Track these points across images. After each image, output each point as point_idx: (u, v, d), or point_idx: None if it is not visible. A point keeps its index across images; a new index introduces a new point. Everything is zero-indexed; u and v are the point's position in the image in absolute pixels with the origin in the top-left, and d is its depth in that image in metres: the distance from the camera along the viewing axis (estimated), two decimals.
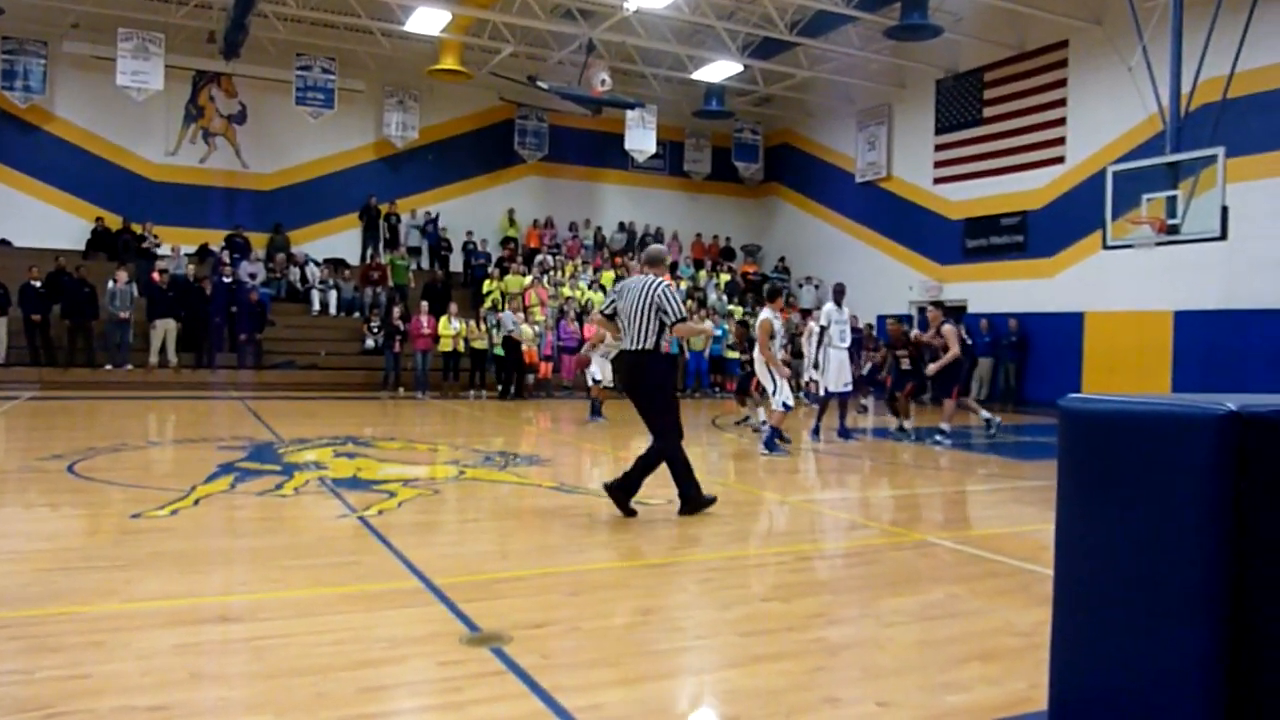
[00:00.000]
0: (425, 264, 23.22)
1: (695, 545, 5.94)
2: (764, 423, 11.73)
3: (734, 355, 20.52)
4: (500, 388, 18.24)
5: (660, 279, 6.52)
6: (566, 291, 20.66)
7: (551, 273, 21.78)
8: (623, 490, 6.54)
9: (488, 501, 7.35)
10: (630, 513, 6.54)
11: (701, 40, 20.90)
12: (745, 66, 21.36)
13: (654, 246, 6.82)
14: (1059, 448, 2.19)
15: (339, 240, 22.44)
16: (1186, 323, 15.96)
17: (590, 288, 20.87)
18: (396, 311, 18.48)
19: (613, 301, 6.60)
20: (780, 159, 26.89)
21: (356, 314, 20.76)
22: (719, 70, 21.46)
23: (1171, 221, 13.48)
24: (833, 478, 9.55)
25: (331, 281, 20.99)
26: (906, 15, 16.99)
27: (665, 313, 6.41)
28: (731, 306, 22.28)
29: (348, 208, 22.57)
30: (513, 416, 15.36)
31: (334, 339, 20.03)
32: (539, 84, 19.92)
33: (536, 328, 18.83)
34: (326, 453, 9.48)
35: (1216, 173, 12.99)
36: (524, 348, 18.51)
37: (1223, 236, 13.02)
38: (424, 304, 18.54)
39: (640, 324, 6.37)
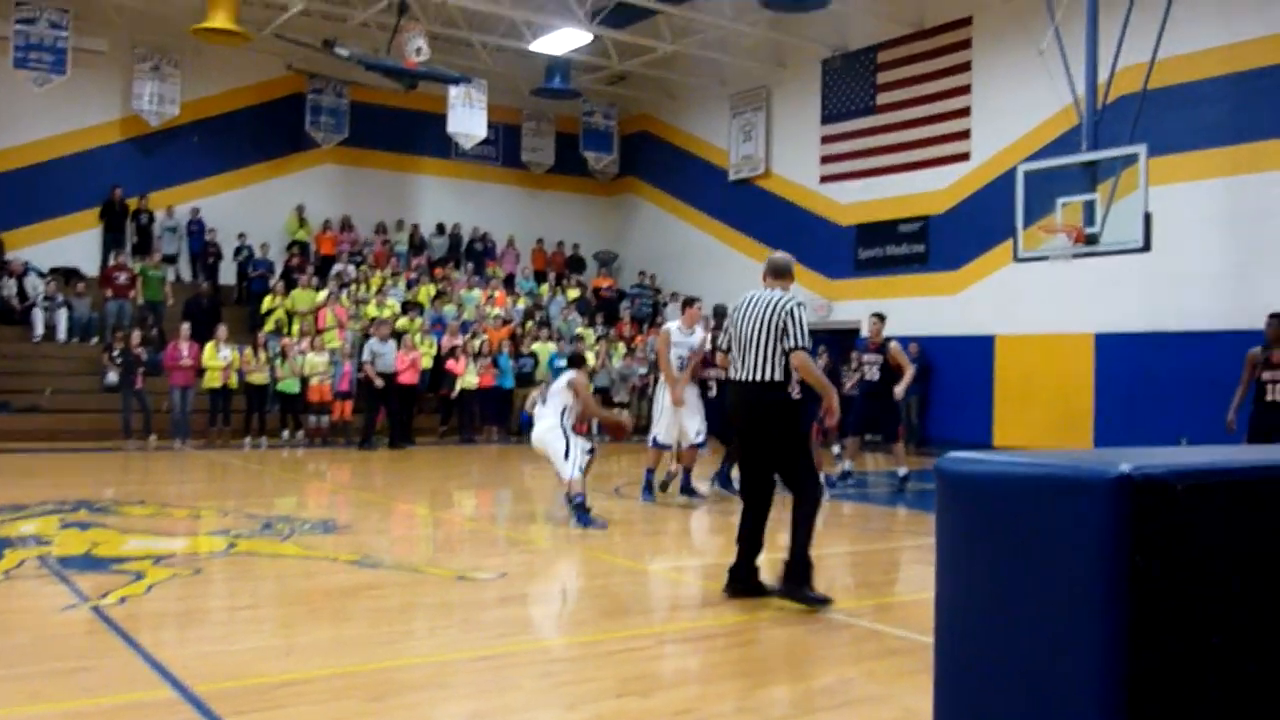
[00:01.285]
0: (187, 275, 22.40)
1: (532, 630, 5.84)
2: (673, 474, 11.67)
3: None
4: (364, 433, 17.81)
5: (789, 294, 6.37)
6: (372, 311, 20.26)
7: (352, 287, 21.33)
8: (795, 579, 6.15)
9: (267, 582, 7.08)
10: (824, 600, 6.21)
11: (541, 4, 21.02)
12: (595, 37, 21.58)
13: (780, 255, 6.68)
14: (936, 513, 2.31)
15: (72, 244, 21.42)
16: (1108, 346, 16.93)
17: (405, 310, 20.53)
18: (136, 336, 17.66)
19: (727, 330, 6.49)
20: (639, 149, 27.25)
21: (95, 339, 19.80)
22: (563, 40, 21.61)
23: (1089, 230, 14.32)
24: (703, 539, 9.61)
25: (61, 298, 19.97)
26: None
27: (787, 335, 6.22)
28: (581, 329, 22.33)
29: (84, 202, 21.59)
30: (298, 471, 14.91)
31: (63, 372, 19.03)
32: (337, 50, 19.58)
33: (329, 356, 18.41)
34: (50, 523, 9.01)
35: (1138, 174, 13.88)
36: (313, 382, 18.13)
37: (1146, 248, 13.90)
38: (184, 326, 17.83)
39: (761, 349, 6.22)
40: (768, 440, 6.26)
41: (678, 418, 11.03)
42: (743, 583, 6.37)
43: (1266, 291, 15.11)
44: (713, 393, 11.24)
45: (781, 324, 6.19)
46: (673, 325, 11.23)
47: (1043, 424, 17.62)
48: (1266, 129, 15.25)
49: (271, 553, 7.91)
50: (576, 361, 10.18)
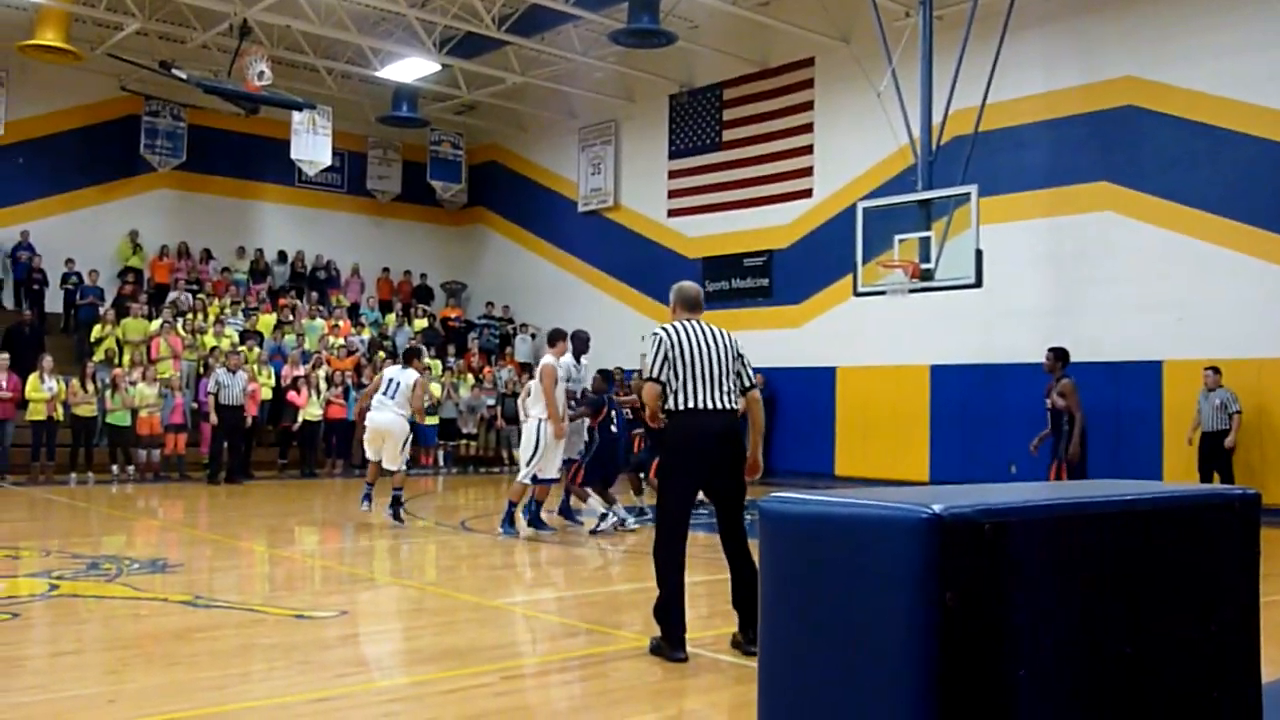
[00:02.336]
0: (10, 302, 21.32)
1: (372, 669, 5.72)
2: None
3: (430, 421, 20.36)
4: (209, 465, 17.31)
5: (719, 327, 6.28)
6: (209, 341, 19.63)
7: (189, 316, 20.64)
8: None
9: (92, 626, 6.78)
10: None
11: (389, 31, 20.82)
12: (444, 66, 21.46)
13: (690, 285, 6.49)
14: (760, 553, 2.39)
15: None
16: (943, 378, 17.56)
17: (243, 339, 19.93)
18: None
19: (664, 359, 6.05)
20: (488, 180, 27.16)
21: None
22: (411, 69, 21.43)
23: (925, 266, 14.85)
24: (551, 571, 9.57)
25: None
26: (635, 18, 17.75)
27: (743, 373, 6.15)
28: (429, 360, 22.02)
29: None
30: (128, 508, 14.31)
31: None
32: (175, 72, 19.00)
33: (158, 387, 17.75)
34: None
35: (970, 213, 14.47)
36: (143, 414, 17.48)
37: (978, 284, 14.49)
38: (3, 356, 16.94)
39: (729, 379, 6.07)
40: (738, 470, 6.16)
41: (557, 452, 11.11)
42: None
43: (1085, 325, 15.95)
44: (612, 426, 11.45)
45: (738, 358, 6.19)
46: (552, 360, 11.04)
47: (882, 454, 18.12)
48: (1083, 173, 16.10)
49: (97, 594, 7.56)
50: (412, 356, 10.95)
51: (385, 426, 11.80)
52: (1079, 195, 16.13)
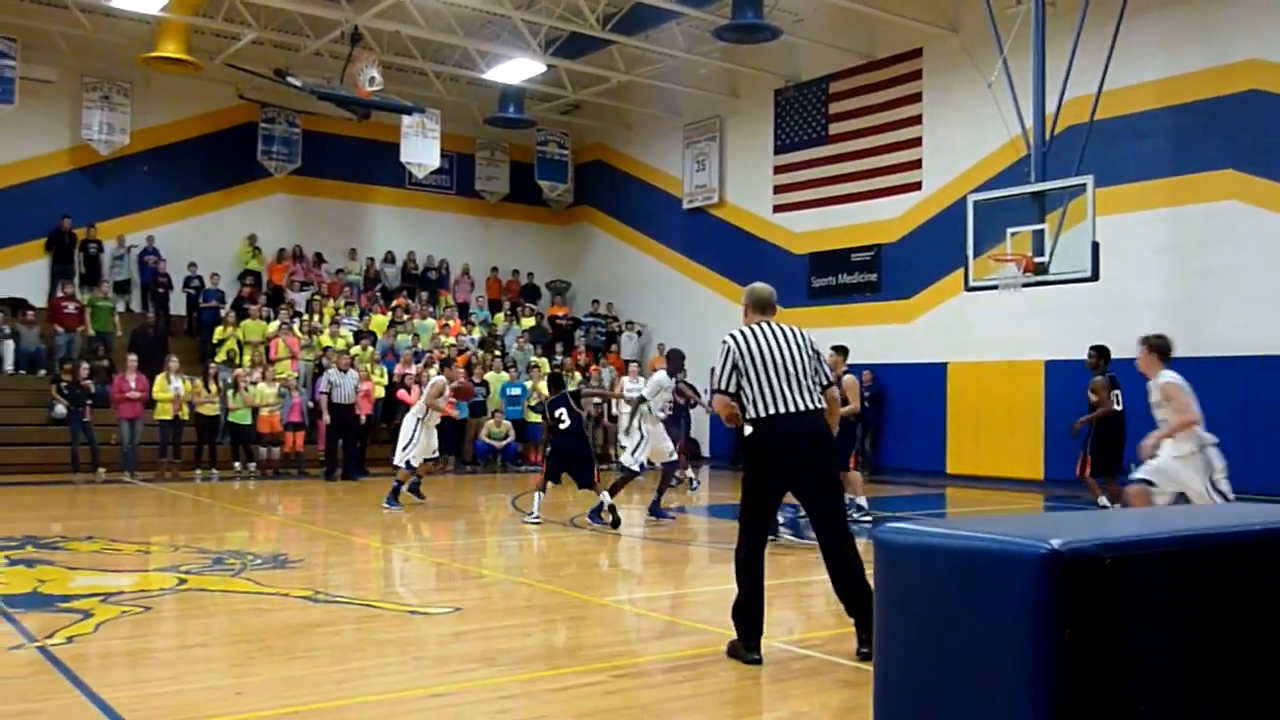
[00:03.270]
0: (137, 305, 22.16)
1: (487, 666, 5.82)
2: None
3: (538, 418, 20.57)
4: (325, 462, 17.88)
5: (793, 326, 6.23)
6: (324, 340, 20.16)
7: (304, 317, 21.21)
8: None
9: (218, 619, 7.01)
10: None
11: (495, 33, 21.10)
12: (549, 67, 21.67)
13: (766, 286, 6.40)
14: (875, 581, 2.37)
15: (19, 275, 21.14)
16: (1059, 373, 17.15)
17: (357, 339, 20.42)
18: (84, 368, 17.43)
19: (732, 368, 5.98)
20: (593, 179, 27.35)
21: (42, 371, 19.52)
22: (517, 70, 21.69)
23: (1039, 259, 14.52)
24: (659, 569, 9.62)
25: (8, 329, 19.70)
26: (739, 13, 17.73)
27: (820, 372, 6.07)
28: (536, 358, 22.31)
29: (31, 233, 21.32)
30: (249, 504, 14.76)
31: (10, 404, 18.76)
32: (290, 80, 19.53)
33: (279, 387, 18.27)
34: None
35: (1086, 204, 14.12)
36: (264, 413, 18.01)
37: (1094, 277, 14.13)
38: (131, 358, 17.62)
39: (809, 378, 5.99)
40: (829, 471, 6.08)
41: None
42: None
43: (1210, 319, 15.43)
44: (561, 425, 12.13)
45: (815, 358, 6.07)
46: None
47: (995, 451, 17.80)
48: (1207, 161, 15.57)
49: (222, 589, 7.82)
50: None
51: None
52: (1202, 184, 15.62)
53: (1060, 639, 2.01)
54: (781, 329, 6.06)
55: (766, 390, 5.88)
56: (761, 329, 6.04)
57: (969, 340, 18.39)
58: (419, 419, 13.66)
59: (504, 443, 20.08)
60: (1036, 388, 17.41)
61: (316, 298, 22.35)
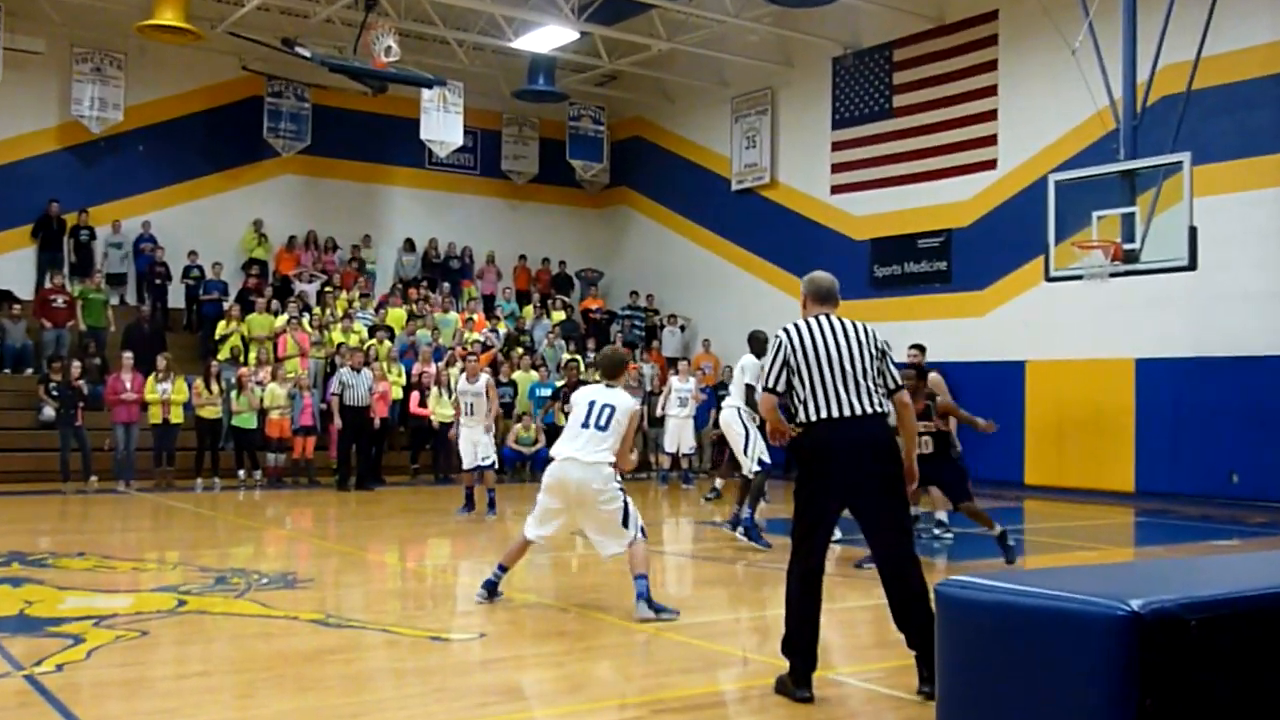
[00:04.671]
0: (132, 297, 22.38)
1: (515, 699, 5.84)
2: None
3: None
4: (338, 471, 17.99)
5: (855, 320, 6.13)
6: (337, 336, 20.29)
7: (315, 311, 21.35)
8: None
9: (220, 644, 7.07)
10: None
11: None
12: (583, 34, 21.68)
13: (823, 275, 6.29)
14: (938, 638, 2.36)
15: (3, 265, 21.39)
16: (1151, 373, 16.98)
17: (373, 333, 20.54)
18: (75, 367, 17.58)
19: (782, 365, 5.93)
20: (631, 157, 27.34)
21: (30, 370, 19.75)
22: (548, 38, 21.71)
23: (1128, 246, 14.38)
24: (703, 591, 9.61)
25: None
26: None
27: (888, 373, 5.96)
28: (568, 355, 22.34)
29: (17, 219, 21.57)
30: (255, 516, 14.88)
31: None
32: (298, 50, 19.63)
33: (286, 387, 18.41)
34: None
35: (1182, 184, 13.96)
36: (272, 415, 18.14)
37: (1192, 266, 13.97)
38: (126, 356, 17.79)
39: (871, 379, 5.90)
40: (893, 485, 5.88)
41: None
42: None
43: None
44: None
45: (880, 357, 5.97)
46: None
47: (1080, 460, 17.65)
48: None
49: (225, 611, 7.89)
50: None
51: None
52: None
53: (1141, 708, 1.98)
54: (843, 324, 5.99)
55: (820, 391, 5.81)
56: (820, 322, 5.98)
57: (1050, 337, 18.23)
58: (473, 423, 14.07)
59: (533, 449, 20.12)
60: (1126, 389, 17.24)
61: (328, 289, 22.50)
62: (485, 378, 14.35)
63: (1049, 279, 15.66)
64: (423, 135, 22.82)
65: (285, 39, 20.17)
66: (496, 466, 14.46)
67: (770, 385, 5.96)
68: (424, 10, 21.57)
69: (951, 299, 19.90)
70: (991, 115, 19.53)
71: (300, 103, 23.88)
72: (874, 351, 5.95)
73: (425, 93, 22.12)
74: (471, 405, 13.94)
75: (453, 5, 20.83)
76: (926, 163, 20.48)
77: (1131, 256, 14.42)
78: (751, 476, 11.59)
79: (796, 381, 5.89)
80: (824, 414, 5.80)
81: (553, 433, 20.53)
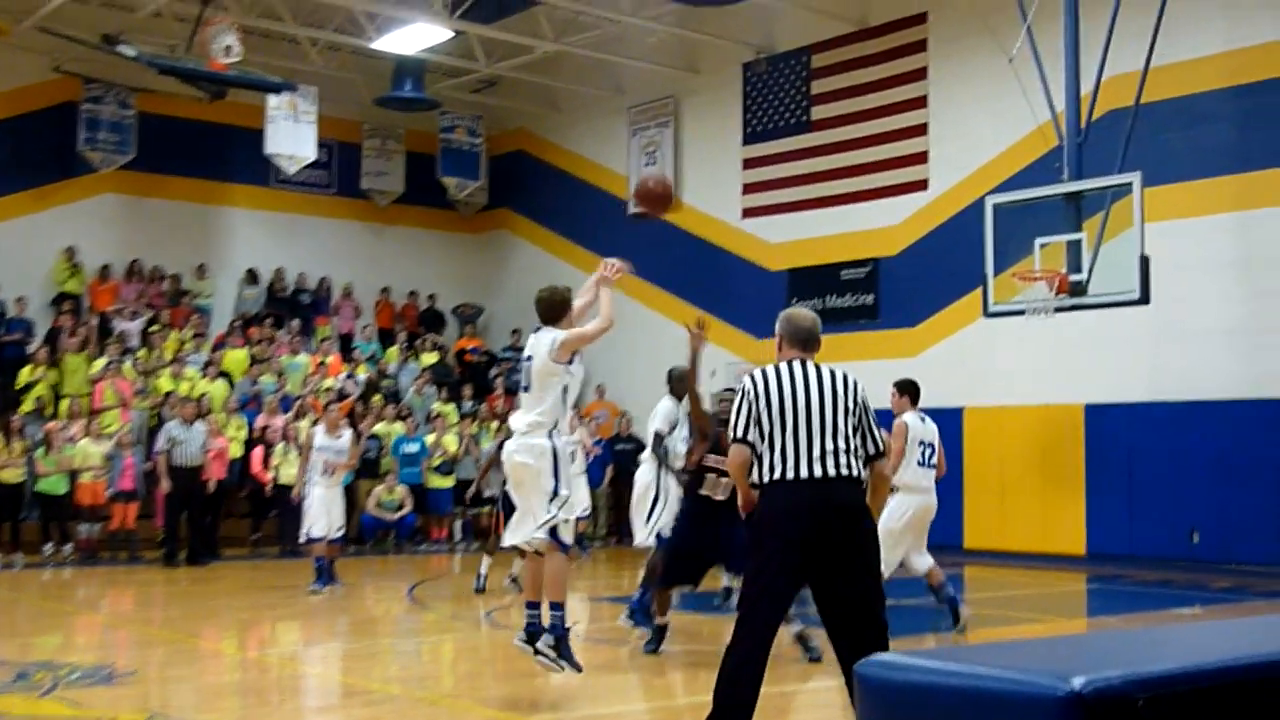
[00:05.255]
0: None
1: None
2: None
3: (444, 483, 20.51)
4: (165, 543, 17.54)
5: (836, 369, 6.11)
6: (165, 384, 19.94)
7: (139, 354, 20.99)
8: None
9: None
10: None
11: None
12: (457, 33, 21.71)
13: (803, 314, 6.33)
14: None
15: None
16: (1102, 420, 17.33)
17: (206, 375, 20.24)
18: None
19: (749, 414, 5.91)
20: (513, 174, 27.37)
21: None
22: (416, 37, 21.69)
23: (1075, 277, 14.73)
24: (603, 679, 9.58)
25: None
26: None
27: (870, 434, 5.95)
28: (439, 405, 22.20)
29: None
30: (65, 598, 14.53)
31: None
32: (121, 49, 19.37)
33: (104, 445, 18.05)
34: None
35: (1132, 208, 14.35)
36: (85, 478, 17.72)
37: (1144, 299, 14.34)
38: None
39: (845, 437, 5.86)
40: (861, 561, 5.83)
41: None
42: None
43: None
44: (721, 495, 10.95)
45: (860, 412, 5.97)
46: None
47: (1025, 519, 17.90)
48: None
49: (27, 713, 7.69)
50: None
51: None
52: (1275, 182, 15.92)
53: None
54: (820, 372, 6.00)
55: (779, 447, 5.81)
56: (792, 369, 5.99)
57: (990, 380, 18.52)
58: (307, 482, 14.10)
59: (398, 514, 19.94)
60: (1075, 439, 17.57)
61: (154, 329, 22.14)
62: (349, 432, 14.31)
63: (988, 314, 15.96)
64: (268, 148, 22.61)
65: (106, 36, 19.88)
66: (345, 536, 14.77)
67: (740, 435, 5.91)
68: (271, 4, 21.44)
69: (879, 337, 20.14)
70: (921, 130, 19.89)
71: (123, 110, 23.53)
72: (851, 406, 5.94)
73: (271, 99, 21.94)
74: (331, 464, 13.87)
75: None
76: (850, 183, 20.75)
77: (1078, 289, 14.75)
78: (646, 549, 11.31)
79: (757, 435, 5.89)
80: (779, 474, 5.78)
81: (420, 495, 20.44)
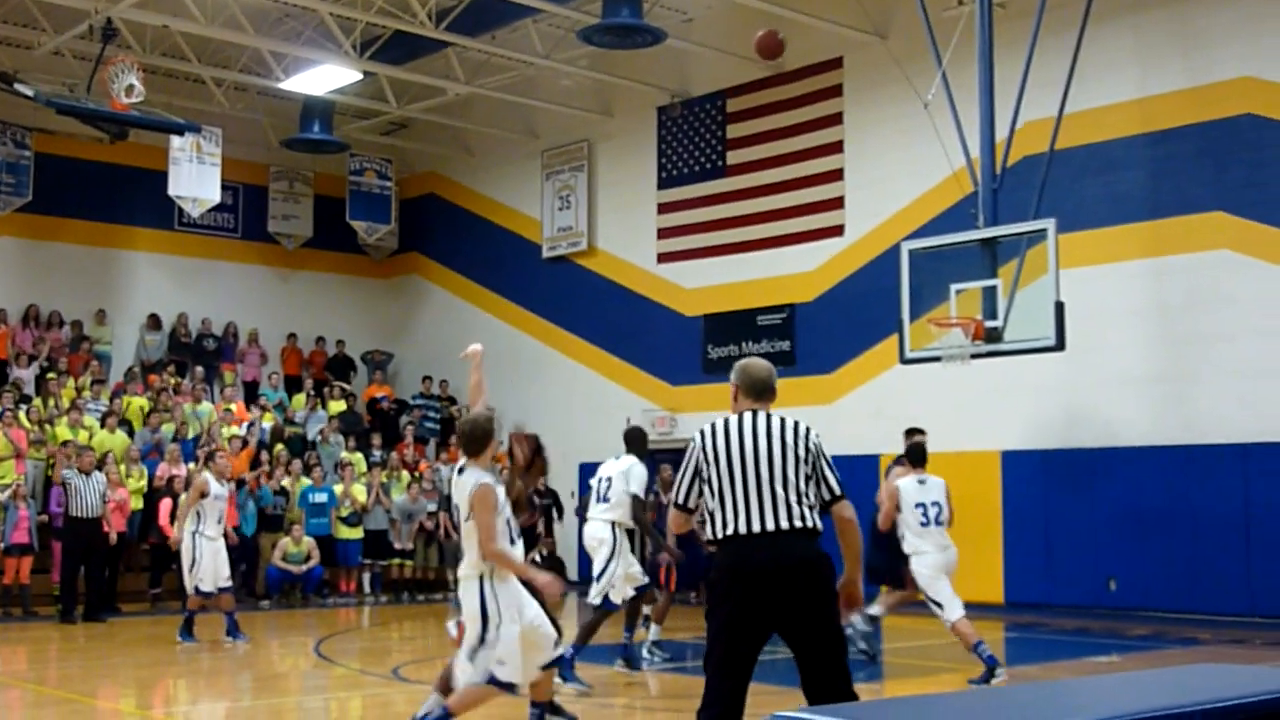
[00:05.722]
0: None
1: None
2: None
3: (352, 534, 20.29)
4: (61, 598, 17.15)
5: (787, 417, 6.03)
6: (62, 433, 19.57)
7: (35, 402, 20.61)
8: None
9: None
10: None
11: (296, 31, 21.01)
12: (366, 74, 21.64)
13: (758, 364, 6.26)
14: None
15: None
16: (1018, 467, 17.51)
17: (106, 425, 19.89)
18: None
19: (693, 475, 5.90)
20: (424, 218, 27.28)
21: None
22: (324, 79, 21.62)
23: (991, 324, 14.89)
24: None
25: None
26: (611, 11, 17.96)
27: (825, 479, 5.90)
28: (348, 454, 21.97)
29: None
30: None
31: None
32: (18, 87, 19.12)
33: (3, 496, 17.69)
34: None
35: (1047, 255, 14.53)
36: None
37: (1059, 346, 14.51)
38: None
39: (795, 488, 5.80)
40: (818, 612, 5.74)
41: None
42: None
43: (1204, 397, 15.94)
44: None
45: (813, 460, 5.93)
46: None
47: None
48: (1193, 201, 16.20)
49: None
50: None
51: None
52: (1187, 229, 16.24)
53: None
54: (769, 421, 5.96)
55: (729, 501, 5.78)
56: (741, 421, 5.96)
57: (906, 426, 18.61)
58: (194, 531, 14.04)
59: (305, 567, 19.64)
60: (992, 486, 17.72)
61: (51, 376, 21.76)
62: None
63: (904, 361, 16.08)
64: (171, 191, 22.33)
65: (3, 74, 19.68)
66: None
67: (680, 500, 5.92)
68: (175, 44, 21.24)
69: (795, 384, 20.15)
70: (837, 175, 20.08)
71: (19, 150, 23.21)
72: (803, 454, 5.90)
73: (175, 140, 21.70)
74: (220, 512, 14.20)
75: (209, 38, 20.59)
76: (765, 228, 20.90)
77: (994, 335, 14.91)
78: (617, 606, 11.38)
79: (708, 490, 5.85)
80: (731, 530, 5.73)
81: (327, 546, 20.17)
